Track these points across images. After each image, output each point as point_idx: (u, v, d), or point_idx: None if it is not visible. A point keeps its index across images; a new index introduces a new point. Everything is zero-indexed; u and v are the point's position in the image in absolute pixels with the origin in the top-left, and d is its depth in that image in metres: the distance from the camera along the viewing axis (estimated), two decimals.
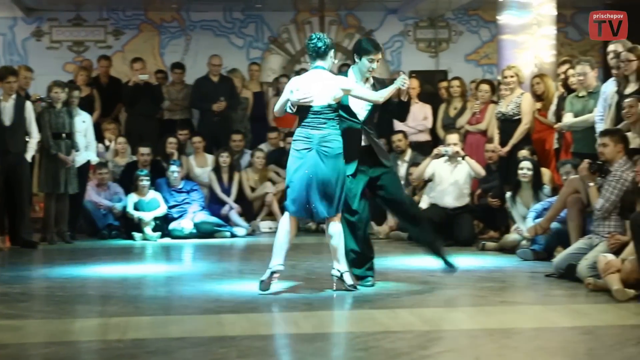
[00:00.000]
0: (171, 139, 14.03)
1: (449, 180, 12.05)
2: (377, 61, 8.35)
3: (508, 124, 11.95)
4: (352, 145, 8.23)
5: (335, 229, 8.09)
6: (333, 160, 7.97)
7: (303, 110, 8.05)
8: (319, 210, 8.00)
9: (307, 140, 7.98)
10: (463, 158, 12.02)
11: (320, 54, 8.07)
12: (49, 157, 12.16)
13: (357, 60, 8.33)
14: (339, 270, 8.12)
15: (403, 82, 8.24)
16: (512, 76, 12.07)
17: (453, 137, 12.21)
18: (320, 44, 8.05)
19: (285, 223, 8.12)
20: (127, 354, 5.97)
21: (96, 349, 6.25)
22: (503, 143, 11.95)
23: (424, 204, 12.24)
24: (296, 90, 8.02)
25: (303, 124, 8.05)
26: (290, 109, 8.08)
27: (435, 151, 12.20)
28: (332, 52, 8.14)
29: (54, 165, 12.16)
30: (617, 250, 8.23)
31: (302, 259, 10.54)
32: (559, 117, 11.40)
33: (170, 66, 15.78)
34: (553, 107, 11.81)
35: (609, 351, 5.98)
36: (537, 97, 12.24)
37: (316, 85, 8.00)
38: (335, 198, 8.00)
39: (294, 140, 8.10)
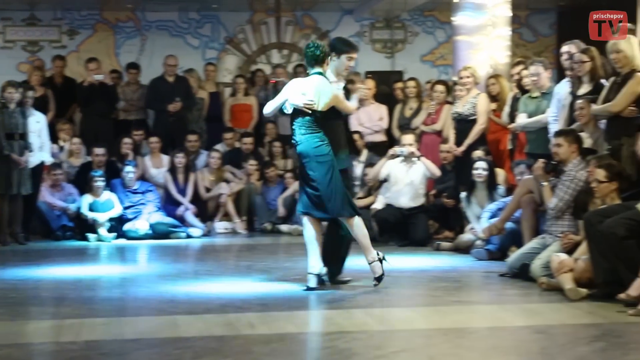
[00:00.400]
0: (126, 140, 13.95)
1: (404, 180, 12.08)
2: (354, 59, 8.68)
3: (464, 124, 11.98)
4: (343, 139, 8.56)
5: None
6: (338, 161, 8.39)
7: (305, 114, 8.27)
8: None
9: (327, 143, 8.27)
10: (418, 158, 12.06)
11: (318, 61, 8.41)
12: (2, 157, 12.00)
13: (334, 58, 8.52)
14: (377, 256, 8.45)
15: (365, 94, 9.16)
16: (468, 77, 12.10)
17: (408, 138, 12.25)
18: (317, 52, 8.41)
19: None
20: (81, 356, 5.94)
21: (49, 351, 6.22)
22: (459, 143, 11.97)
23: (379, 204, 12.27)
24: (302, 94, 8.27)
25: (312, 129, 8.26)
26: (287, 110, 8.36)
27: (391, 152, 12.24)
28: (328, 59, 8.47)
29: (7, 166, 12.02)
30: (570, 250, 8.30)
31: (257, 260, 10.55)
32: (512, 117, 11.45)
33: (125, 66, 15.66)
34: (507, 108, 11.86)
35: (561, 350, 6.04)
36: (493, 97, 12.28)
37: (317, 90, 8.27)
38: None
39: (318, 146, 8.25)
